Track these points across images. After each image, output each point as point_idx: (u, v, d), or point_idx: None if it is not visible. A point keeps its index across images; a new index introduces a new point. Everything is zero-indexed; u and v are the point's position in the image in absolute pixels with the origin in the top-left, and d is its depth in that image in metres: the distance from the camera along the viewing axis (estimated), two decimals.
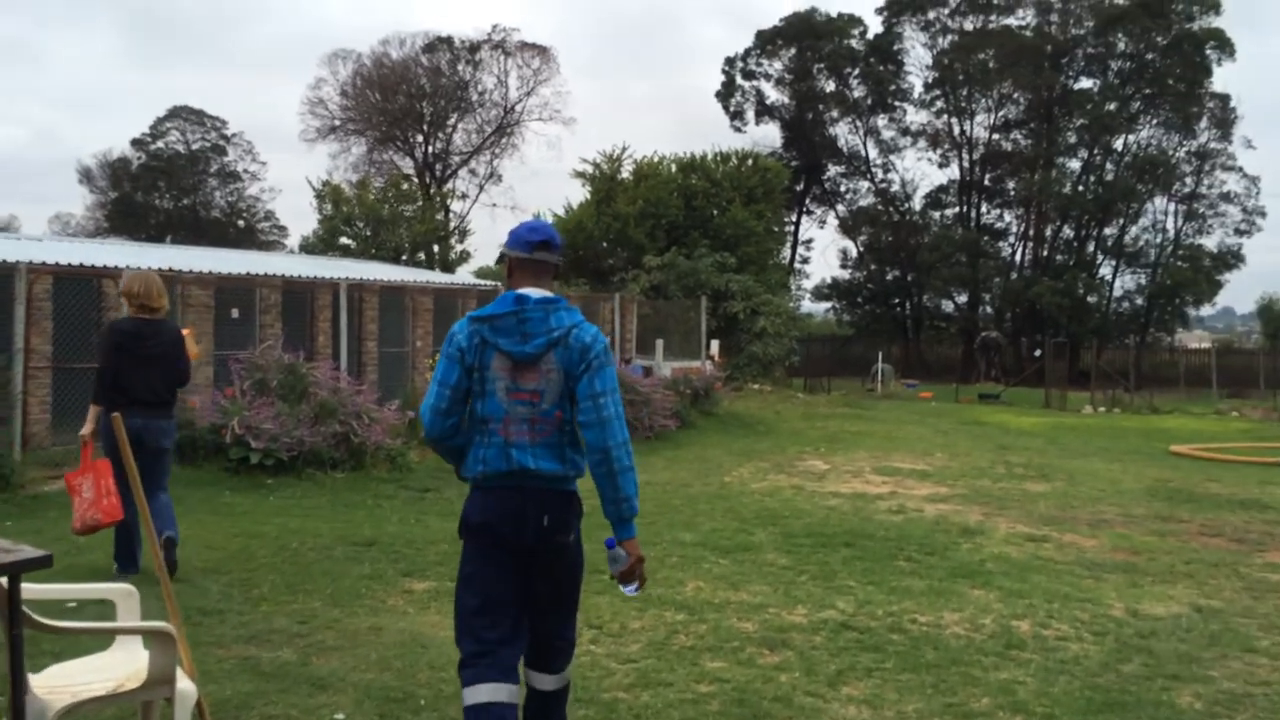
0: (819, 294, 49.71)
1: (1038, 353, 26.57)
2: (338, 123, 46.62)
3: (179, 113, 62.51)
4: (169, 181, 61.65)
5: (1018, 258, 47.14)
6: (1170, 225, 44.19)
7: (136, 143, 60.72)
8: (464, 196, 47.39)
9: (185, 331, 7.12)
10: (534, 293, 3.47)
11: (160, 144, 62.17)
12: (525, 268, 3.53)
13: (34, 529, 8.03)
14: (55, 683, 3.44)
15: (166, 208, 61.62)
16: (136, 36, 74.86)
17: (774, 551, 8.19)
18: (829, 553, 8.17)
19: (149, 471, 6.30)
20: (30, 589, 3.99)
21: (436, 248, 27.73)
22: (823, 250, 64.31)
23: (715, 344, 24.80)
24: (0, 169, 74.38)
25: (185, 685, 3.51)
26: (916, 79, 48.49)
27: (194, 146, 63.02)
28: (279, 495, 10.15)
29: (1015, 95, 45.00)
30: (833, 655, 5.50)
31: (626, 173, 31.79)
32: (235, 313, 13.61)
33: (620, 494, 3.46)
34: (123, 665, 3.63)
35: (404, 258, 28.09)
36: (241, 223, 62.19)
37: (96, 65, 74.52)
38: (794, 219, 48.44)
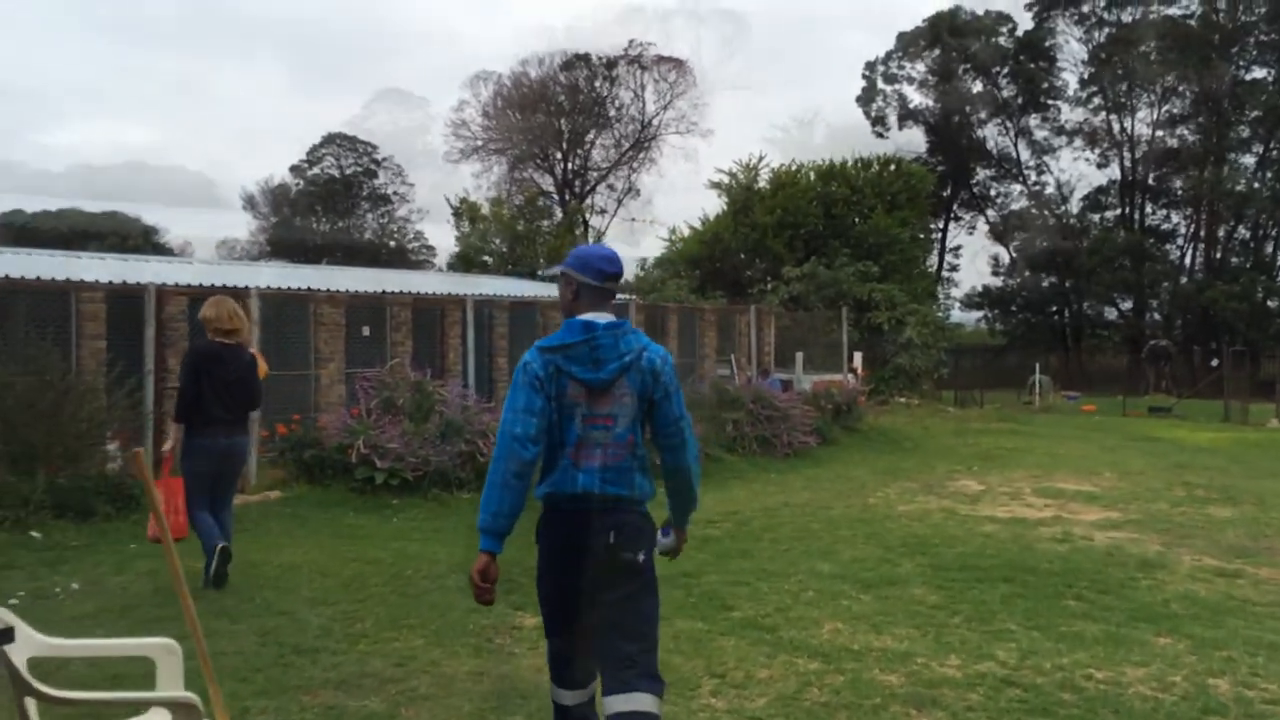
0: (969, 302, 47.65)
1: (1214, 362, 24.55)
2: (480, 143, 47.40)
3: (333, 139, 64.85)
4: (325, 205, 63.96)
5: (1187, 260, 44.28)
6: None
7: (295, 169, 63.23)
8: (602, 212, 47.51)
9: (257, 354, 7.55)
10: (600, 319, 3.53)
11: (316, 170, 64.59)
12: (594, 295, 3.58)
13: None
14: None
15: (323, 230, 63.93)
16: (298, 67, 78.13)
17: (922, 586, 7.40)
18: (986, 589, 7.33)
19: (229, 487, 7.06)
20: (68, 645, 3.68)
21: None
22: (972, 257, 61.65)
23: (858, 356, 23.83)
24: (180, 198, 79.09)
25: None
26: (1071, 75, 45.99)
27: (347, 171, 65.23)
28: (402, 516, 9.89)
29: (1180, 89, 42.29)
30: (992, 719, 4.74)
31: (764, 182, 31.07)
32: (366, 330, 13.56)
33: (691, 500, 3.78)
34: None
35: (539, 273, 28.13)
36: (392, 243, 63.97)
37: (261, 96, 78.17)
38: (941, 226, 46.72)
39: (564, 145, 47.23)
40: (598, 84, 47.39)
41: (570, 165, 47.62)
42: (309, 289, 13.45)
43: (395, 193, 65.01)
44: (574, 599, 3.53)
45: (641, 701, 3.43)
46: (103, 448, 9.67)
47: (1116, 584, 7.48)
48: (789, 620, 6.42)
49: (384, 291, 14.08)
